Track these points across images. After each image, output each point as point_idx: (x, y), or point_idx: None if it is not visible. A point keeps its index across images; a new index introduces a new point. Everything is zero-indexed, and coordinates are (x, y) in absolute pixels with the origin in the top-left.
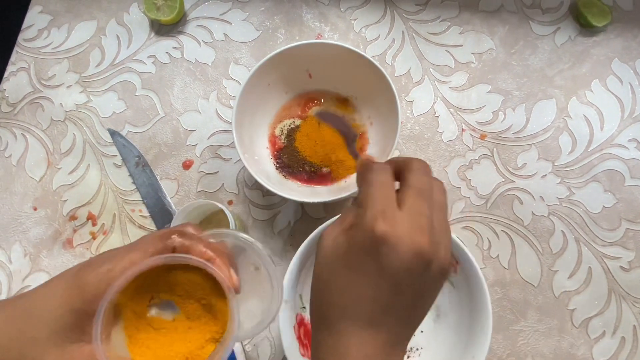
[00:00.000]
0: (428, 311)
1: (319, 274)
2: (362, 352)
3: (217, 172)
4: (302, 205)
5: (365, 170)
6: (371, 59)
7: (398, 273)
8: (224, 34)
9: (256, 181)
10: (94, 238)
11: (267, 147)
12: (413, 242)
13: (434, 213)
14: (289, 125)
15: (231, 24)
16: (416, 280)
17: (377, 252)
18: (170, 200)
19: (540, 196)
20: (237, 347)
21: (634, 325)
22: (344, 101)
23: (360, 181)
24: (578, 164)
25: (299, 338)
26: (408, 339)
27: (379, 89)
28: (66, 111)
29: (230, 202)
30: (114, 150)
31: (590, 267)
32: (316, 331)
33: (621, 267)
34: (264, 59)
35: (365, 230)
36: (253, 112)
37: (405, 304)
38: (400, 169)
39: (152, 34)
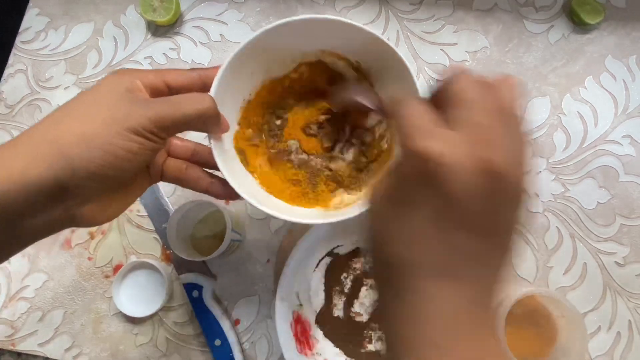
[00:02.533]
0: (511, 251)
1: (372, 226)
2: (447, 312)
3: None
4: None
5: (395, 105)
6: (376, 33)
7: (464, 200)
8: (220, 34)
9: None
10: (92, 238)
11: None
12: (476, 156)
13: (499, 119)
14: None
15: (227, 24)
16: (490, 209)
17: (433, 176)
18: (167, 200)
19: (535, 193)
20: (235, 346)
21: (629, 320)
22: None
23: (395, 118)
24: (572, 160)
25: (295, 335)
26: (495, 290)
27: (390, 67)
28: None
29: (227, 202)
30: None
31: (585, 262)
32: (383, 299)
33: (616, 262)
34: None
35: (411, 155)
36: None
37: (484, 242)
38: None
39: (149, 35)
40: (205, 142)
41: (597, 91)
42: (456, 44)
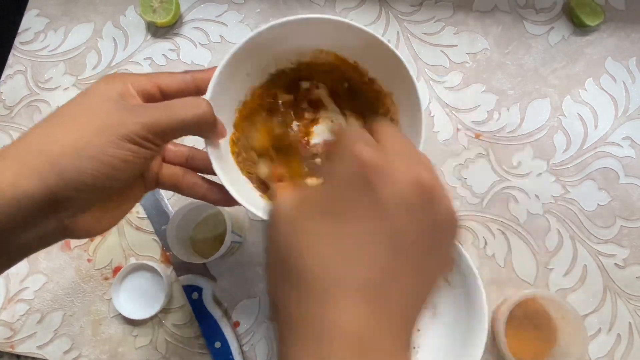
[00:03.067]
0: (440, 275)
1: (279, 240)
2: (356, 334)
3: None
4: None
5: (341, 129)
6: (378, 36)
7: (399, 212)
8: (220, 35)
9: None
10: (91, 240)
11: None
12: (411, 170)
13: (422, 157)
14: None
15: (227, 25)
16: (424, 221)
17: (369, 182)
18: (167, 202)
19: (536, 195)
20: (234, 348)
21: (630, 322)
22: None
23: (339, 136)
24: (573, 162)
25: None
26: (417, 315)
27: (392, 73)
28: None
29: None
30: None
31: (585, 264)
32: (285, 338)
33: (616, 264)
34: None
35: (349, 159)
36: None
37: (414, 265)
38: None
39: (149, 36)
40: (201, 145)
41: (597, 93)
42: (456, 45)
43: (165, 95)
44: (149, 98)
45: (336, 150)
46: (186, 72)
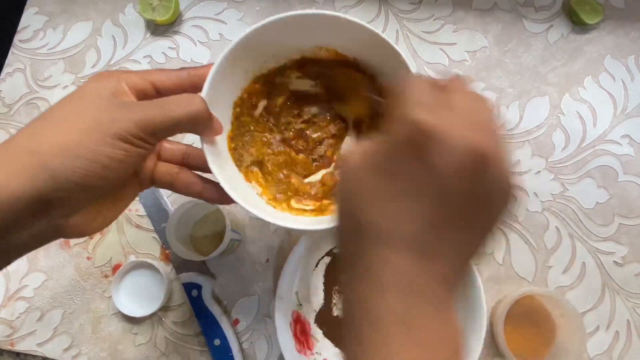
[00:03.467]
0: (488, 239)
1: (346, 193)
2: (408, 284)
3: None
4: None
5: (403, 80)
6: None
7: (450, 175)
8: (220, 33)
9: None
10: (91, 238)
11: None
12: (466, 135)
13: (488, 114)
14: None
15: (226, 23)
16: (474, 187)
17: (422, 148)
18: (166, 200)
19: (534, 192)
20: (234, 346)
21: (628, 320)
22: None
23: (399, 91)
24: (571, 160)
25: (295, 335)
26: (463, 274)
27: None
28: None
29: None
30: None
31: (584, 262)
32: (344, 270)
33: (615, 262)
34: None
35: (404, 123)
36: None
37: (462, 222)
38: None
39: (148, 34)
40: (198, 143)
41: (596, 91)
42: (455, 43)
43: (159, 92)
44: (142, 96)
45: (396, 107)
46: (182, 69)
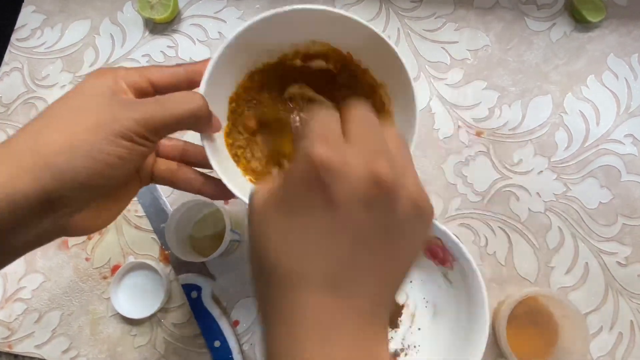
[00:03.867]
0: (411, 265)
1: (253, 235)
2: (322, 324)
3: (213, 170)
4: None
5: (311, 112)
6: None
7: (354, 209)
8: (219, 32)
9: None
10: (89, 238)
11: None
12: (366, 167)
13: (389, 142)
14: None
15: (226, 22)
16: (382, 219)
17: (322, 183)
18: (165, 200)
19: (537, 192)
20: (234, 347)
21: (631, 321)
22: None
23: (306, 125)
24: (574, 159)
25: None
26: (389, 305)
27: (385, 65)
28: None
29: (225, 201)
30: None
31: (587, 262)
32: (261, 317)
33: (618, 262)
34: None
35: (304, 160)
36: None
37: (376, 254)
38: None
39: (147, 33)
40: (196, 139)
41: (599, 90)
42: (457, 42)
43: (157, 89)
44: (140, 93)
45: (297, 143)
46: (178, 65)
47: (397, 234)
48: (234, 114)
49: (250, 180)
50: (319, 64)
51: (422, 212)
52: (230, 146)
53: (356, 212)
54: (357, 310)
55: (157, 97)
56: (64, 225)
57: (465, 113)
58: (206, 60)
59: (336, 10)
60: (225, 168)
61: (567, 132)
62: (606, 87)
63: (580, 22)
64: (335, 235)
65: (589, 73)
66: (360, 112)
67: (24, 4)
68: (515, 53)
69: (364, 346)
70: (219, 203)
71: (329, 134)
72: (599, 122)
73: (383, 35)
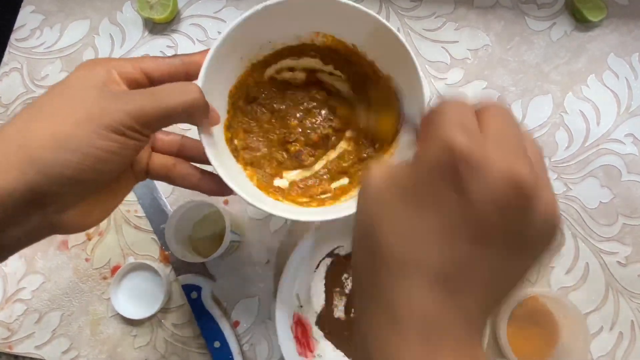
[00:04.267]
0: (526, 276)
1: (364, 212)
2: (427, 322)
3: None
4: None
5: (440, 100)
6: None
7: (488, 210)
8: (218, 32)
9: None
10: (89, 239)
11: None
12: (508, 166)
13: (529, 145)
14: None
15: (225, 22)
16: (513, 224)
17: (458, 175)
18: (165, 200)
19: None
20: (234, 348)
21: (632, 320)
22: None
23: (433, 111)
24: (575, 159)
25: (296, 337)
26: (492, 314)
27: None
28: None
29: (225, 202)
30: None
31: (587, 262)
32: (360, 298)
33: (618, 262)
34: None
35: (441, 147)
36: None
37: (496, 260)
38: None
39: (146, 33)
40: (192, 133)
41: (600, 89)
42: (457, 41)
43: (152, 81)
44: (134, 84)
45: (431, 129)
46: (175, 56)
47: (522, 244)
48: (234, 107)
49: (249, 176)
50: (325, 78)
51: (553, 226)
52: (229, 141)
53: (489, 213)
54: (464, 313)
55: (150, 88)
56: (55, 222)
57: None
58: (204, 51)
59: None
60: (224, 163)
61: (567, 132)
62: (607, 86)
63: (581, 22)
64: (460, 231)
65: (589, 73)
66: (499, 108)
67: (23, 4)
68: (515, 53)
69: (467, 354)
70: (219, 204)
71: (467, 123)
72: (599, 122)
73: (389, 24)
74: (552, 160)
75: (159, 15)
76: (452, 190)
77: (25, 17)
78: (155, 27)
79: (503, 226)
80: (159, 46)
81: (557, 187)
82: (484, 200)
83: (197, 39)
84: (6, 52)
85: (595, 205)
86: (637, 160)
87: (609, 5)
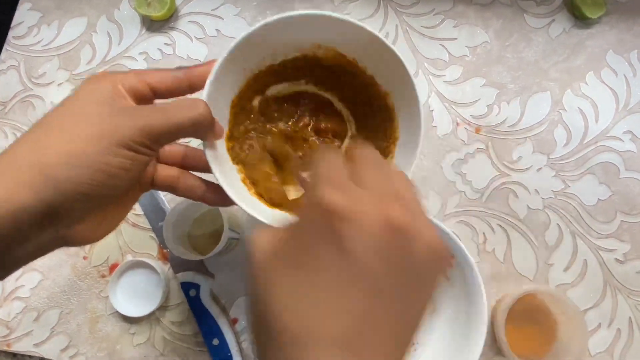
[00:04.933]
0: (424, 311)
1: (256, 290)
2: None
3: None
4: None
5: (314, 156)
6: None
7: (370, 257)
8: (216, 29)
9: None
10: None
11: None
12: (380, 211)
13: (401, 186)
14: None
15: (223, 19)
16: (399, 266)
17: (335, 232)
18: (164, 198)
19: (536, 189)
20: (233, 345)
21: (630, 317)
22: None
23: (311, 169)
24: (573, 156)
25: None
26: (402, 354)
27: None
28: None
29: None
30: None
31: (585, 259)
32: None
33: (616, 259)
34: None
35: (313, 208)
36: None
37: (392, 306)
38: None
39: (144, 31)
40: (194, 142)
41: (598, 86)
42: (456, 38)
43: (157, 94)
44: (140, 98)
45: (306, 190)
46: (179, 68)
47: (413, 281)
48: (236, 118)
49: (249, 188)
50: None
51: (438, 256)
52: (231, 150)
53: (372, 260)
54: None
55: (160, 104)
56: (65, 236)
57: (464, 110)
58: (207, 63)
59: (337, 15)
60: (227, 174)
61: (566, 129)
62: (605, 84)
63: (580, 19)
64: (350, 289)
65: (588, 70)
66: (366, 152)
67: (20, 1)
68: (514, 50)
69: None
70: None
71: (337, 177)
72: (597, 119)
73: (386, 40)
74: (550, 157)
75: (156, 13)
76: (333, 249)
77: (23, 15)
78: (153, 25)
79: (389, 269)
80: (156, 44)
81: (556, 184)
82: (365, 250)
83: (195, 37)
84: (3, 50)
85: (594, 202)
86: (635, 157)
87: (607, 3)
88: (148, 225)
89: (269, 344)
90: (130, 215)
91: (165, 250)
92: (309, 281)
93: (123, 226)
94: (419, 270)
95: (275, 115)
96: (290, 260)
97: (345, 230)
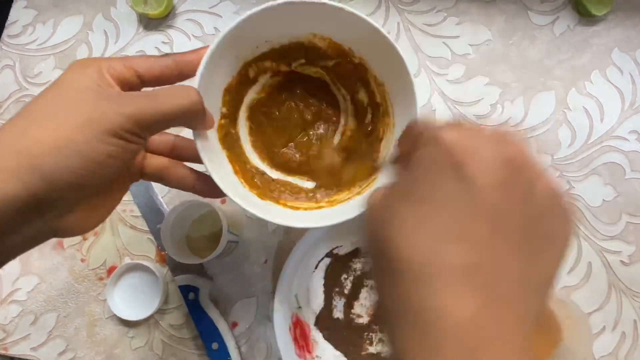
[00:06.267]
0: (557, 268)
1: (376, 233)
2: (468, 333)
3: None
4: None
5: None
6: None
7: (490, 190)
8: (215, 27)
9: None
10: (84, 239)
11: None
12: (500, 148)
13: (514, 137)
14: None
15: (221, 17)
16: (520, 203)
17: (456, 162)
18: (161, 200)
19: None
20: (232, 349)
21: (635, 320)
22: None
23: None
24: (578, 157)
25: (294, 339)
26: (537, 315)
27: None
28: None
29: (222, 201)
30: None
31: (590, 261)
32: (388, 318)
33: (621, 261)
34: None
35: (432, 144)
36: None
37: (514, 241)
38: None
39: (141, 29)
40: (185, 132)
41: (603, 85)
42: (459, 36)
43: (143, 81)
44: (126, 85)
45: (420, 138)
46: (166, 55)
47: (537, 224)
48: (229, 106)
49: (241, 179)
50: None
51: (561, 201)
52: (222, 140)
53: (492, 191)
54: (503, 307)
55: (149, 91)
56: (55, 227)
57: (467, 109)
58: (196, 50)
59: (334, 3)
60: (217, 165)
61: (570, 129)
62: (611, 82)
63: (585, 16)
64: (473, 218)
65: (593, 68)
66: (473, 123)
67: (15, 0)
68: (517, 48)
69: (519, 349)
70: (216, 203)
71: (454, 124)
72: (603, 119)
73: (383, 30)
74: (554, 157)
75: (153, 11)
76: (453, 178)
77: (18, 13)
78: (150, 23)
79: (509, 202)
80: (153, 42)
81: (560, 185)
82: (485, 179)
83: (193, 35)
84: None
85: (599, 203)
86: None
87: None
88: (146, 228)
89: (393, 281)
90: (127, 217)
91: (163, 253)
92: (431, 213)
93: (121, 228)
94: (542, 214)
95: (271, 102)
96: (409, 197)
97: (468, 163)
